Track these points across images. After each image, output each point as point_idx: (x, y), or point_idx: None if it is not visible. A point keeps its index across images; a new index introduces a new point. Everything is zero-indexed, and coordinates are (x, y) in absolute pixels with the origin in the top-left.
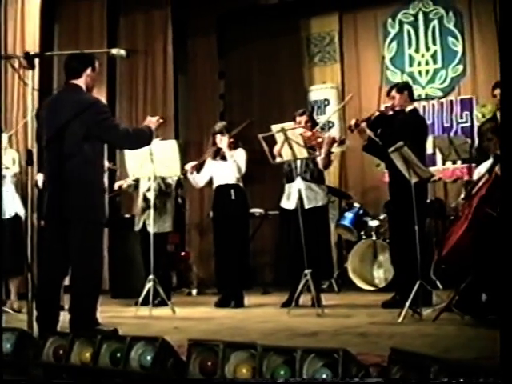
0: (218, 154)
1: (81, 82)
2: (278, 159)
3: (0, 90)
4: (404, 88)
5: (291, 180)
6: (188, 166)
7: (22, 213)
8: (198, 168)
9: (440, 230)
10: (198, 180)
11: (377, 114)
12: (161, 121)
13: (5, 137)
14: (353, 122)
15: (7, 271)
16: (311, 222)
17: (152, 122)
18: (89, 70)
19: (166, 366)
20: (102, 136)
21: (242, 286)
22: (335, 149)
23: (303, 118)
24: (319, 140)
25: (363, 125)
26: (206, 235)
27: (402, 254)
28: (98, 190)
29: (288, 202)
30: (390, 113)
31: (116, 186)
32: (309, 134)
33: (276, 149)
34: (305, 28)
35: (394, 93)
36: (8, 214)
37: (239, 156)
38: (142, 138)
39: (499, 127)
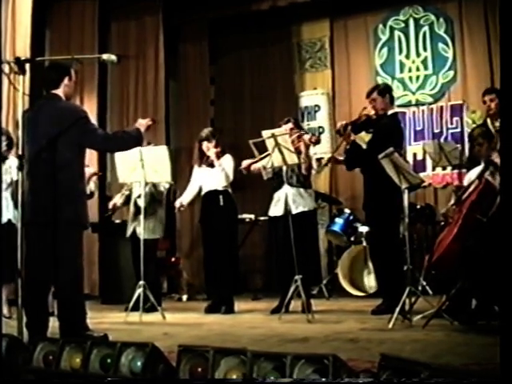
0: (205, 161)
1: (59, 91)
2: (266, 175)
3: (0, 94)
4: (385, 91)
5: (279, 187)
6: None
7: (14, 220)
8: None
9: (430, 236)
10: (189, 198)
11: (364, 117)
12: (150, 122)
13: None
14: (339, 125)
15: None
16: (299, 227)
17: (142, 124)
18: (66, 80)
19: (156, 372)
20: (82, 140)
21: (232, 291)
22: (325, 154)
23: (288, 126)
24: (298, 144)
25: (349, 128)
26: (196, 241)
27: (381, 260)
28: (77, 193)
29: (275, 209)
30: (374, 117)
31: (110, 205)
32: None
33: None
34: (296, 34)
35: (375, 95)
36: (2, 220)
37: (227, 163)
38: (125, 140)
39: (500, 129)
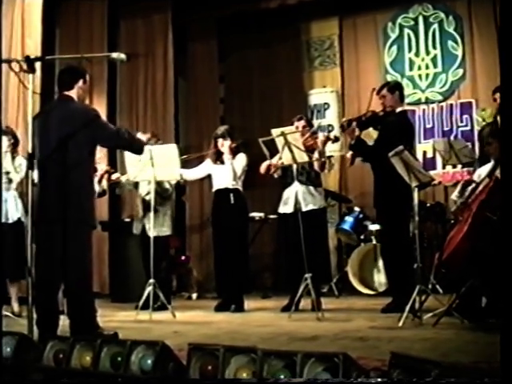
0: (219, 158)
1: (72, 93)
2: (276, 174)
3: (0, 93)
4: (395, 88)
5: (289, 184)
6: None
7: (23, 218)
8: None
9: (440, 234)
10: (187, 175)
11: (369, 114)
12: (149, 137)
13: (5, 140)
14: (344, 120)
15: (9, 275)
16: (309, 224)
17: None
18: (80, 83)
19: (166, 370)
20: (95, 137)
21: (241, 290)
22: (334, 152)
23: (301, 123)
24: (315, 140)
25: (354, 124)
26: (206, 239)
27: (392, 258)
28: (88, 192)
29: (285, 207)
30: (381, 113)
31: (114, 177)
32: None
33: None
34: (305, 32)
35: (384, 92)
36: (11, 219)
37: (238, 161)
38: (133, 140)
39: (499, 130)
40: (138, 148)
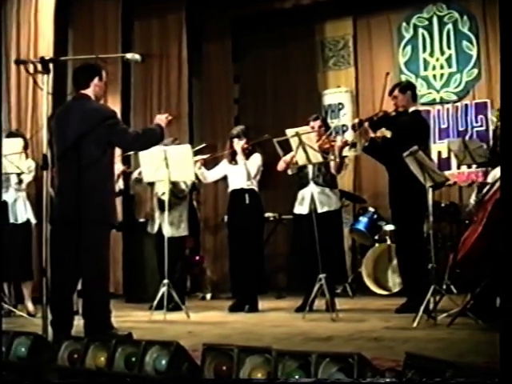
0: (234, 158)
1: (89, 91)
2: (291, 170)
3: (0, 93)
4: (407, 88)
5: (304, 185)
6: (197, 158)
7: (32, 219)
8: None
9: (455, 235)
10: (207, 175)
11: (380, 114)
12: (169, 118)
13: (20, 141)
14: (356, 120)
15: (17, 276)
16: (324, 226)
17: (161, 119)
18: (96, 80)
19: (180, 371)
20: (113, 140)
21: (256, 290)
22: (349, 153)
23: (316, 123)
24: (331, 144)
25: (366, 125)
26: (220, 239)
27: (406, 259)
28: (106, 191)
29: (301, 207)
30: (393, 114)
31: (136, 172)
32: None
33: (286, 159)
34: (319, 32)
35: (396, 92)
36: (20, 219)
37: (253, 161)
38: (152, 138)
39: (500, 130)
40: (155, 142)
